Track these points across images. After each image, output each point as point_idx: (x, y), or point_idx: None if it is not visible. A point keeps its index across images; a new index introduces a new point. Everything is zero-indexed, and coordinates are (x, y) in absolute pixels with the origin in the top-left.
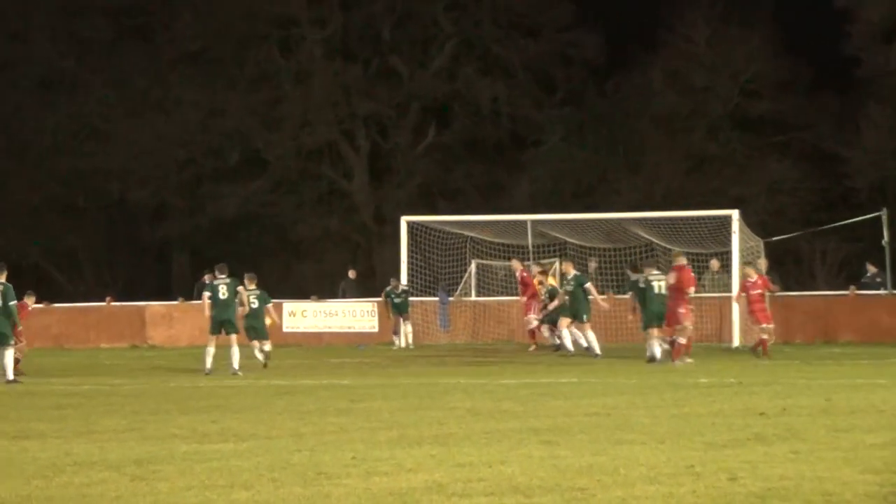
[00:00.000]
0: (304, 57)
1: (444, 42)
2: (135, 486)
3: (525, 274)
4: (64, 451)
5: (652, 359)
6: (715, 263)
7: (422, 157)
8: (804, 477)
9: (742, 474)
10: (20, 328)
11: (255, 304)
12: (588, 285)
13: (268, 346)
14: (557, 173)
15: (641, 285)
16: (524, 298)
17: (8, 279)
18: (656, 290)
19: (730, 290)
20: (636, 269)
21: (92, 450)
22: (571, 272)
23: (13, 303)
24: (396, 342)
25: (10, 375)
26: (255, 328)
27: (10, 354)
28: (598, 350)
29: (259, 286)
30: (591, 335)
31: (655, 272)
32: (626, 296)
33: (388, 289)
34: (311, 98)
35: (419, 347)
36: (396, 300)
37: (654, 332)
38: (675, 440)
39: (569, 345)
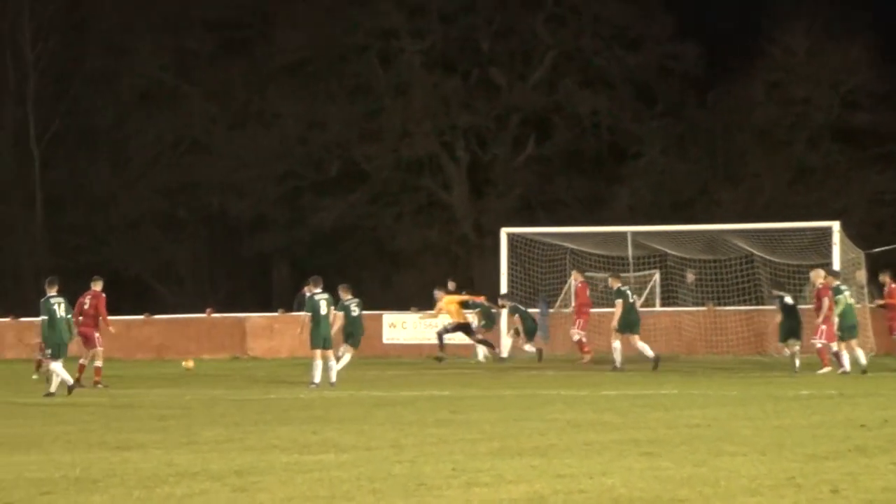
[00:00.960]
0: (403, 68)
1: (544, 54)
2: (236, 496)
3: (580, 284)
4: (165, 462)
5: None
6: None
7: (521, 169)
8: None
9: (843, 486)
10: (97, 335)
11: (356, 313)
12: (618, 301)
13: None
14: (657, 185)
15: (789, 301)
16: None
17: (109, 290)
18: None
19: None
20: (780, 287)
21: (193, 460)
22: (615, 286)
23: (68, 316)
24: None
25: (53, 389)
26: (354, 335)
27: (59, 366)
28: (619, 363)
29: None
30: (641, 345)
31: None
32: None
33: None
34: (410, 110)
35: (516, 360)
36: (493, 311)
37: (853, 343)
38: (777, 452)
39: (618, 358)
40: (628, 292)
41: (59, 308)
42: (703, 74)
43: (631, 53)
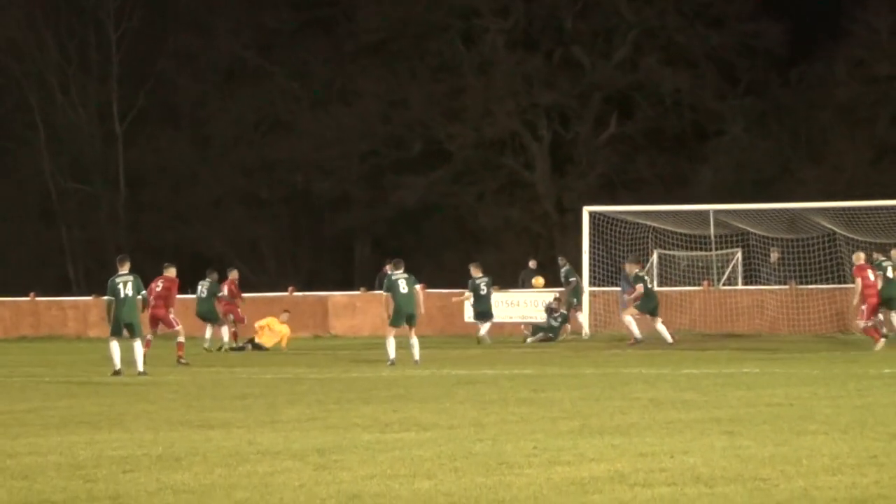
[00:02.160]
0: (485, 47)
1: (627, 32)
2: (317, 474)
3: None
4: (247, 440)
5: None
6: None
7: (603, 148)
8: None
9: None
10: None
11: (484, 291)
12: (638, 286)
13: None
14: (739, 163)
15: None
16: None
17: (189, 269)
18: None
19: None
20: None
21: (275, 439)
22: (633, 272)
23: (142, 293)
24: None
25: (141, 367)
26: (486, 314)
27: (139, 346)
28: (637, 335)
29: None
30: (661, 327)
31: None
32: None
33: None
34: (492, 88)
35: (597, 338)
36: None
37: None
38: (858, 430)
39: (636, 331)
40: (646, 278)
41: (126, 287)
42: (785, 53)
43: (713, 31)
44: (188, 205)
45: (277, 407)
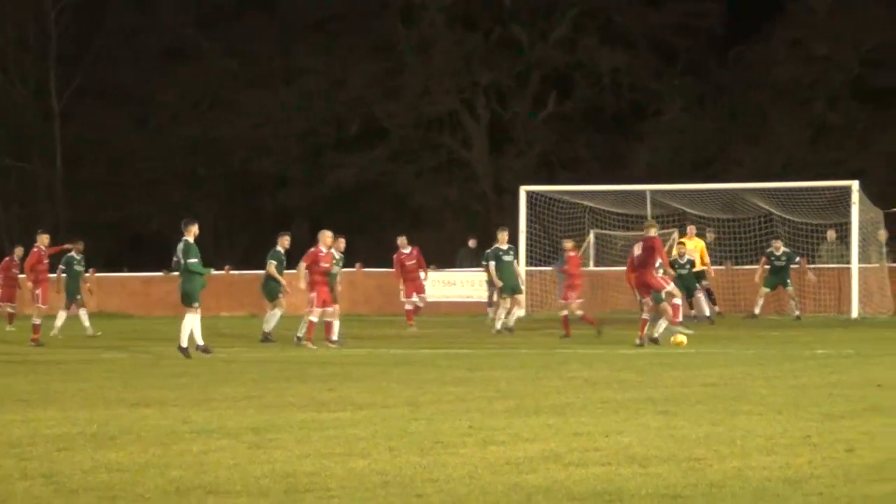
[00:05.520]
0: (425, 26)
1: (566, 11)
2: (252, 453)
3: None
4: (182, 419)
5: None
6: (832, 234)
7: (542, 127)
8: None
9: (859, 445)
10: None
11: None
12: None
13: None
14: (677, 143)
15: None
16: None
17: (130, 246)
18: None
19: (847, 262)
20: None
21: (210, 417)
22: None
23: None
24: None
25: (200, 341)
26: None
27: (189, 320)
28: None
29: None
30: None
31: None
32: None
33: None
34: (431, 67)
35: (533, 318)
36: None
37: None
38: (793, 411)
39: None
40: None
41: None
42: (724, 32)
43: (652, 11)
44: (127, 182)
45: (212, 386)
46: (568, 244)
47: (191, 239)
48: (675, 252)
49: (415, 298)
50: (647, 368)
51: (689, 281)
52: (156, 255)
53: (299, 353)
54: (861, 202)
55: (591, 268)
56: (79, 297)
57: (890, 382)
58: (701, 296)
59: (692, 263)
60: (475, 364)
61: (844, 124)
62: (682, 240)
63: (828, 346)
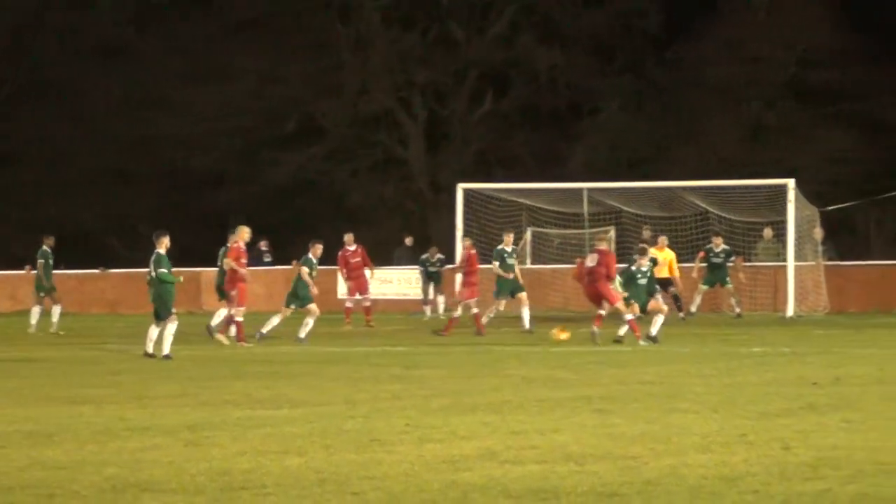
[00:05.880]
0: (362, 24)
1: (503, 9)
2: (188, 451)
3: (472, 252)
4: (118, 417)
5: None
6: (768, 232)
7: (478, 125)
8: (856, 446)
9: (795, 443)
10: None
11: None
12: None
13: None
14: (614, 142)
15: None
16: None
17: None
18: None
19: (783, 260)
20: None
21: (146, 415)
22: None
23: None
24: (428, 312)
25: (150, 348)
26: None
27: (170, 328)
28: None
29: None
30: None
31: None
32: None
33: (424, 257)
34: (368, 65)
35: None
36: (431, 269)
37: None
38: (728, 409)
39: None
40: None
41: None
42: (662, 31)
43: (590, 9)
44: (60, 180)
45: (148, 383)
46: (466, 242)
47: (162, 251)
48: (641, 262)
49: (358, 297)
50: (584, 367)
51: (650, 285)
52: (91, 252)
53: (235, 352)
54: (797, 200)
55: (529, 266)
56: (54, 292)
57: (825, 381)
58: (659, 296)
59: (653, 271)
60: (412, 362)
61: (781, 123)
62: (653, 250)
63: (764, 345)
